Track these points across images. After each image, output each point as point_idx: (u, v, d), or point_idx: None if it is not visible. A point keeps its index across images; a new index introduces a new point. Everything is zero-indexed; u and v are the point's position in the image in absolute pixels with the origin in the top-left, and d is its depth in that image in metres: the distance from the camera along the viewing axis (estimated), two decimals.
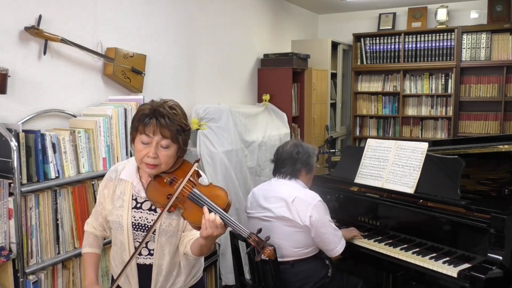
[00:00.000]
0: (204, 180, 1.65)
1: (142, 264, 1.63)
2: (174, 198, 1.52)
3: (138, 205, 1.63)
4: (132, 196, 1.64)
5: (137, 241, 1.62)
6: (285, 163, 2.33)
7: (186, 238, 1.62)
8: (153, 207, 1.62)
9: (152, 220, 1.61)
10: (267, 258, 1.49)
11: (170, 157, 1.57)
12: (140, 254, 1.63)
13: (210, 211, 1.46)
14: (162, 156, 1.55)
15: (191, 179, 1.57)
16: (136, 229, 1.61)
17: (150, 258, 1.63)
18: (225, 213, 1.49)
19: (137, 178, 1.66)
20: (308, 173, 2.35)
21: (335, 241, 2.22)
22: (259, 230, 1.53)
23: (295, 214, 2.17)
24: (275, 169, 2.41)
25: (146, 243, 1.62)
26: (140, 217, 1.62)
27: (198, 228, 1.48)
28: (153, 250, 1.62)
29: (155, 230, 1.59)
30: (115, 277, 1.73)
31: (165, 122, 1.53)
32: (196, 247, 1.55)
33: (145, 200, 1.63)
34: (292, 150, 2.33)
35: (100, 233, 1.76)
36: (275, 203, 2.25)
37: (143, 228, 1.61)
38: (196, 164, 1.61)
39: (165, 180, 1.58)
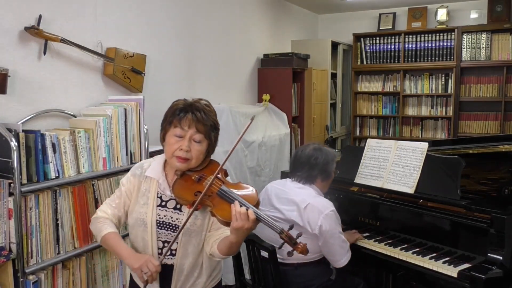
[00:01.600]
0: (230, 180, 1.65)
1: (164, 264, 1.60)
2: (203, 194, 1.51)
3: (163, 203, 1.63)
4: (157, 194, 1.63)
5: (160, 240, 1.61)
6: (301, 167, 2.27)
7: (212, 238, 1.60)
8: (178, 206, 1.62)
9: (177, 219, 1.61)
10: (300, 254, 1.49)
11: (201, 152, 1.59)
12: (161, 253, 1.61)
13: (241, 206, 1.46)
14: (194, 150, 1.57)
15: (219, 176, 1.58)
16: (160, 227, 1.61)
17: (171, 258, 1.61)
18: (256, 208, 1.48)
19: (163, 176, 1.65)
20: (324, 180, 2.29)
21: (341, 253, 2.17)
22: (291, 227, 1.53)
23: (305, 221, 2.13)
24: (291, 171, 2.35)
25: (169, 242, 1.60)
26: (165, 216, 1.61)
27: (228, 224, 1.47)
28: (175, 250, 1.60)
29: (178, 229, 1.58)
30: (134, 277, 1.70)
31: (201, 116, 1.56)
32: (226, 245, 1.53)
33: (170, 199, 1.63)
34: (310, 154, 2.26)
35: (115, 222, 1.69)
36: (287, 205, 2.22)
37: (168, 226, 1.60)
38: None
39: (193, 178, 1.59)
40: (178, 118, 1.56)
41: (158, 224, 1.61)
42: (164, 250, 1.59)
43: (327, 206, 2.16)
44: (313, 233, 2.13)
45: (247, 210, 1.44)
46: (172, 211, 1.62)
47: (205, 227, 1.62)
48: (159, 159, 1.70)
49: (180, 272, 1.61)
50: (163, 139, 1.63)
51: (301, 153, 2.30)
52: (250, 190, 1.56)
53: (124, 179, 1.71)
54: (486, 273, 1.95)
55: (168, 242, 1.61)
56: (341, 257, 2.18)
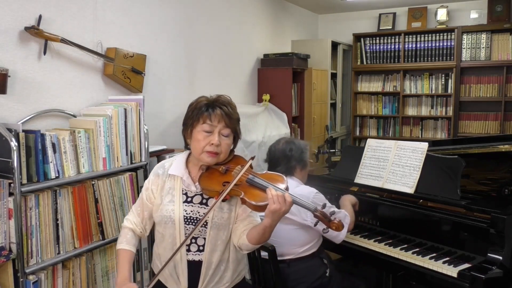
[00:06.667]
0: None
1: (192, 261, 1.63)
2: (234, 182, 1.55)
3: (189, 199, 1.65)
4: (182, 190, 1.66)
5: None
6: (279, 162, 2.31)
7: (239, 229, 1.64)
8: (204, 201, 1.65)
9: (204, 213, 1.62)
10: (336, 232, 1.54)
11: (229, 146, 1.65)
12: (189, 250, 1.63)
13: (276, 190, 1.50)
14: (223, 144, 1.62)
15: (246, 166, 1.62)
16: (187, 223, 1.63)
17: (199, 254, 1.63)
18: (288, 192, 1.53)
19: (186, 173, 1.68)
20: (303, 169, 2.33)
21: None
22: (324, 205, 1.58)
23: (296, 212, 2.15)
24: (269, 169, 2.38)
25: (196, 239, 1.63)
26: (191, 211, 1.64)
27: (261, 208, 1.51)
28: (202, 246, 1.62)
29: (206, 224, 1.61)
30: (161, 278, 1.71)
31: (228, 110, 1.62)
32: (259, 232, 1.55)
33: (196, 194, 1.66)
34: (284, 147, 2.31)
35: (140, 231, 1.74)
36: None
37: (195, 221, 1.62)
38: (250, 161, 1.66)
39: (220, 169, 1.64)
40: (207, 113, 1.61)
41: (186, 220, 1.63)
42: (193, 248, 1.63)
43: (311, 191, 2.19)
44: (303, 223, 2.14)
45: (283, 193, 1.49)
46: (198, 206, 1.64)
47: (232, 220, 1.65)
48: (180, 157, 1.73)
49: (208, 268, 1.63)
50: (189, 136, 1.66)
51: (275, 149, 2.35)
52: (279, 177, 1.62)
53: (146, 181, 1.75)
54: (486, 273, 1.94)
55: (196, 238, 1.63)
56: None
